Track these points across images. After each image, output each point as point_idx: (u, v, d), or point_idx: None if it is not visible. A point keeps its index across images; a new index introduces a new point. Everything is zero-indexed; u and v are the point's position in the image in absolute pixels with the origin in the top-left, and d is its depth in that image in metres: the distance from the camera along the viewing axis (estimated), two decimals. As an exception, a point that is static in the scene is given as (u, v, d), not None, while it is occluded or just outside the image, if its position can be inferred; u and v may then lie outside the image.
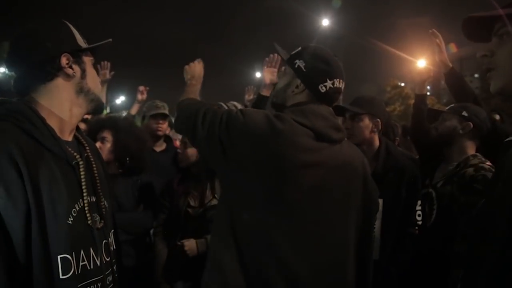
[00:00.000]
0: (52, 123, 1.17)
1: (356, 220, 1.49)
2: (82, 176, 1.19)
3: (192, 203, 2.37)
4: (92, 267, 1.16)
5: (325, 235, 1.42)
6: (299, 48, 1.58)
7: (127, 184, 2.42)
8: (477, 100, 2.45)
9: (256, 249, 1.38)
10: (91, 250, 1.17)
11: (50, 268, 1.04)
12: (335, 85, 1.50)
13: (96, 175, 1.28)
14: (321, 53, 1.54)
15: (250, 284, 1.37)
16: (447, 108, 2.33)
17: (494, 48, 1.03)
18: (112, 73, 3.53)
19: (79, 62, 1.25)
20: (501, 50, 1.01)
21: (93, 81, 1.30)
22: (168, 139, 3.58)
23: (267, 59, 2.23)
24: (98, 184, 1.28)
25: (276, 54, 2.23)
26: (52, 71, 1.19)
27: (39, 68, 1.19)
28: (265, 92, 2.29)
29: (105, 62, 3.48)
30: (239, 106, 3.03)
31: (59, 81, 1.21)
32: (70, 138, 1.26)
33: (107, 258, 1.24)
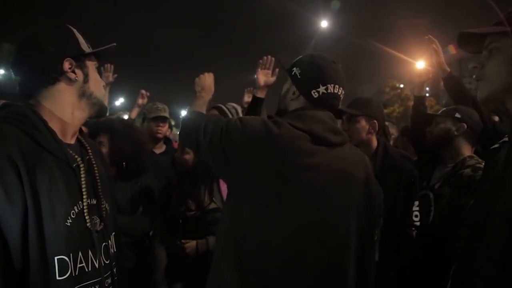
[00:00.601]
0: (54, 126, 1.19)
1: (357, 223, 1.47)
2: (82, 179, 1.20)
3: (190, 206, 2.37)
4: (90, 269, 1.17)
5: (324, 238, 1.42)
6: (300, 56, 1.63)
7: (125, 187, 2.42)
8: (476, 103, 2.46)
9: (255, 251, 1.40)
10: (90, 252, 1.18)
11: (47, 269, 1.06)
12: (328, 90, 1.51)
13: (97, 177, 1.29)
14: (316, 59, 1.56)
15: (247, 285, 1.38)
16: (440, 112, 2.35)
17: (483, 60, 1.11)
18: (115, 76, 3.53)
19: (82, 67, 1.27)
20: (490, 63, 1.09)
21: (96, 85, 1.31)
22: (167, 141, 3.58)
23: (260, 61, 2.24)
24: (99, 187, 1.29)
25: (269, 56, 2.24)
26: (54, 75, 1.21)
27: (41, 72, 1.20)
28: (260, 94, 2.30)
29: (108, 65, 3.47)
30: (238, 108, 3.04)
31: (62, 85, 1.23)
32: (72, 141, 1.27)
33: (107, 260, 1.25)
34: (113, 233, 1.34)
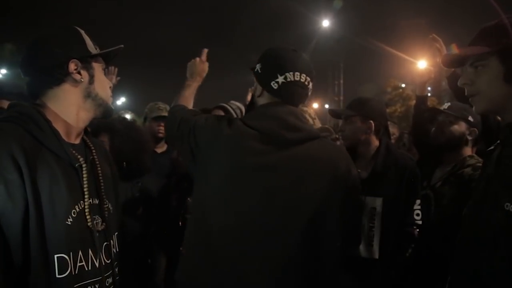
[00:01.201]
0: (59, 126, 1.20)
1: (315, 222, 1.42)
2: (84, 178, 1.21)
3: (189, 208, 2.38)
4: (90, 268, 1.18)
5: (275, 239, 1.40)
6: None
7: (126, 187, 2.42)
8: None
9: (215, 245, 1.44)
10: (90, 251, 1.19)
11: (47, 267, 1.07)
12: (288, 79, 1.46)
13: (100, 178, 1.30)
14: (275, 51, 1.54)
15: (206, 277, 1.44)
16: (447, 107, 2.29)
17: (472, 77, 1.19)
18: (118, 78, 3.52)
19: (88, 68, 1.28)
20: (480, 79, 1.16)
21: (102, 86, 1.32)
22: (169, 141, 3.58)
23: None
24: (102, 187, 1.30)
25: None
26: (59, 76, 1.22)
27: (47, 73, 1.22)
28: None
29: (112, 67, 3.46)
30: (242, 107, 3.05)
31: (67, 86, 1.24)
32: (77, 141, 1.29)
33: (108, 260, 1.25)
34: (116, 233, 1.35)
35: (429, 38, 2.54)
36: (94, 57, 1.30)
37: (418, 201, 2.29)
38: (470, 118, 2.19)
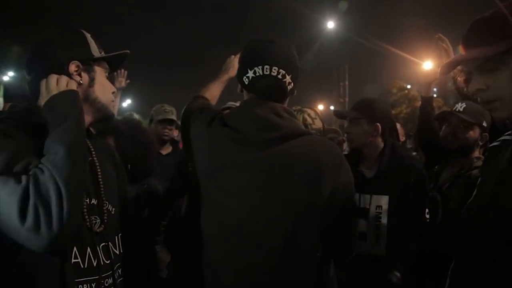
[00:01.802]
0: None
1: (293, 222, 1.36)
2: None
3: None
4: (86, 266, 1.18)
5: (249, 239, 1.37)
6: None
7: (132, 189, 2.42)
8: None
9: (203, 242, 1.47)
10: (89, 250, 1.19)
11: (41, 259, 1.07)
12: (257, 74, 1.38)
13: (100, 179, 1.30)
14: (250, 44, 1.48)
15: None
16: (462, 108, 2.18)
17: (487, 81, 1.03)
18: (128, 81, 3.53)
19: (89, 71, 1.28)
20: (498, 82, 1.01)
21: (102, 90, 1.31)
22: (174, 142, 3.59)
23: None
24: (102, 188, 1.29)
25: None
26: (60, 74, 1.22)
27: (48, 73, 1.21)
28: None
29: (122, 70, 3.47)
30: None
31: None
32: None
33: (107, 260, 1.25)
34: (119, 235, 1.35)
35: (436, 38, 2.52)
36: (97, 61, 1.31)
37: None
38: (484, 123, 2.14)
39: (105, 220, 1.28)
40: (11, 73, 23.60)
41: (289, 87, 1.42)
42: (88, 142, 1.34)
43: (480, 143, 2.16)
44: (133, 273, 1.41)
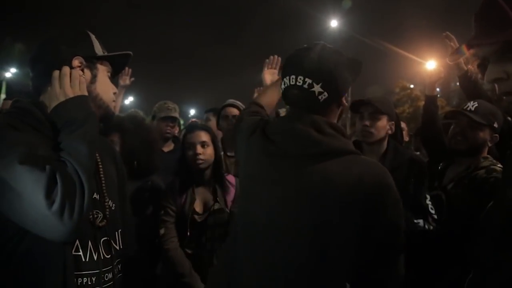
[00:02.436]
0: None
1: (313, 247, 1.23)
2: None
3: (197, 208, 2.34)
4: (87, 259, 1.19)
5: (266, 255, 1.29)
6: None
7: (136, 187, 2.42)
8: (491, 103, 2.41)
9: (230, 257, 1.44)
10: (90, 244, 1.21)
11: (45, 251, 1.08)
12: (285, 84, 1.34)
13: (101, 175, 1.32)
14: (289, 54, 1.42)
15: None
16: (474, 108, 2.12)
17: (507, 69, 0.92)
18: (132, 79, 3.53)
19: (92, 68, 1.31)
20: None
21: (104, 88, 1.34)
22: (176, 140, 3.59)
23: (267, 60, 2.24)
24: (103, 184, 1.31)
25: (276, 56, 2.23)
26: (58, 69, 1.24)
27: (51, 68, 1.23)
28: None
29: (126, 68, 3.45)
30: (240, 104, 3.13)
31: None
32: None
33: (107, 255, 1.26)
34: (119, 230, 1.36)
35: (443, 36, 2.51)
36: (100, 59, 1.33)
37: (428, 197, 2.26)
38: (495, 125, 2.09)
39: (107, 215, 1.29)
40: (13, 70, 23.68)
41: (322, 97, 1.29)
42: None
43: (490, 144, 2.12)
44: (133, 269, 1.41)
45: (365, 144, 2.33)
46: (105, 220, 1.28)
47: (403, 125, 4.30)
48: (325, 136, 1.28)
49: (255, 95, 3.99)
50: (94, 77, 1.30)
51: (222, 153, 2.80)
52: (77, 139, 1.12)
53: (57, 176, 1.00)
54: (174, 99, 3.77)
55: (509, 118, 2.33)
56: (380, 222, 1.21)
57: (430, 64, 2.54)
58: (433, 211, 2.18)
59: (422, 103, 2.60)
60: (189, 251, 2.30)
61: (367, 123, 2.24)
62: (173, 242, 2.28)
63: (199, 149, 2.35)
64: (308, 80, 1.28)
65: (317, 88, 1.28)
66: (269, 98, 1.77)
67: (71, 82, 1.21)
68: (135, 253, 1.49)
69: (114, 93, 1.40)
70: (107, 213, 1.29)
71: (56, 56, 1.25)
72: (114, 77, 1.45)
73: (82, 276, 1.17)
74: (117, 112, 2.80)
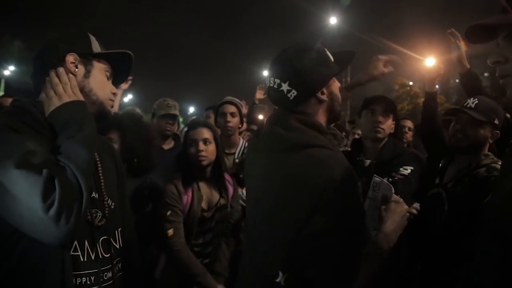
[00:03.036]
0: None
1: (271, 236, 1.32)
2: None
3: (203, 205, 2.35)
4: (85, 259, 1.20)
5: (252, 243, 1.47)
6: None
7: (136, 184, 2.42)
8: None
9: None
10: (86, 243, 1.21)
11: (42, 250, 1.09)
12: (267, 85, 1.43)
13: (100, 174, 1.33)
14: None
15: None
16: (474, 105, 2.11)
17: (507, 53, 0.97)
18: (130, 80, 3.47)
19: (86, 64, 1.32)
20: None
21: (99, 85, 1.34)
22: (176, 137, 3.59)
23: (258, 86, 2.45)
24: (102, 183, 1.32)
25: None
26: (55, 65, 1.26)
27: (48, 64, 1.27)
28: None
29: None
30: (238, 102, 3.19)
31: None
32: None
33: (106, 254, 1.27)
34: (119, 229, 1.37)
35: (447, 33, 2.50)
36: (96, 57, 1.34)
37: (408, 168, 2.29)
38: (496, 121, 2.07)
39: (106, 214, 1.30)
40: (12, 68, 23.62)
41: (291, 95, 1.34)
42: None
43: (491, 141, 2.11)
44: (133, 267, 1.42)
45: (369, 141, 2.38)
46: (104, 219, 1.28)
47: (409, 124, 4.30)
48: (291, 131, 1.33)
49: (257, 92, 4.03)
50: (88, 73, 1.32)
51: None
52: (76, 143, 1.12)
53: (56, 181, 1.00)
54: (174, 97, 3.77)
55: (508, 115, 2.33)
56: (319, 219, 1.19)
57: (429, 61, 2.52)
58: (406, 171, 2.20)
59: (421, 100, 2.61)
60: (196, 249, 2.32)
61: (380, 119, 2.32)
62: (182, 243, 2.27)
63: (202, 146, 2.36)
64: (277, 81, 1.36)
65: (285, 87, 1.34)
66: None
67: (63, 87, 1.23)
68: (135, 252, 1.50)
69: (114, 94, 1.40)
70: (106, 212, 1.30)
71: (53, 53, 1.28)
72: (118, 81, 1.47)
73: (81, 276, 1.18)
74: (115, 110, 2.80)
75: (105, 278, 1.25)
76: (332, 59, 1.40)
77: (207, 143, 2.38)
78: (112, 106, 1.40)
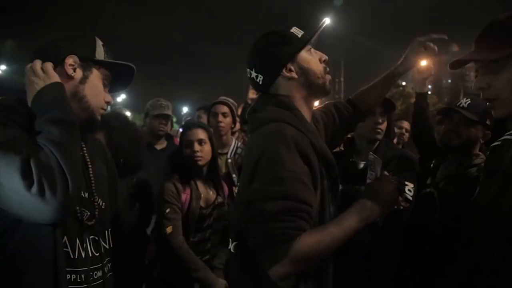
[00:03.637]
0: None
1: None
2: None
3: (201, 203, 2.39)
4: (76, 256, 1.20)
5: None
6: None
7: (122, 184, 2.40)
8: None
9: None
10: (78, 241, 1.21)
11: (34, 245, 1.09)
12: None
13: (90, 173, 1.32)
14: None
15: None
16: (467, 105, 2.11)
17: (490, 81, 1.12)
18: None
19: (85, 69, 1.29)
20: (499, 82, 1.10)
21: (93, 93, 1.31)
22: (169, 137, 3.59)
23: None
24: (93, 183, 1.31)
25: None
26: (55, 65, 1.23)
27: (44, 61, 1.23)
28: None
29: None
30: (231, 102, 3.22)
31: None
32: None
33: (96, 253, 1.27)
34: (109, 229, 1.36)
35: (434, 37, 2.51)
36: (97, 64, 1.31)
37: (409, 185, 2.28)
38: (488, 122, 2.09)
39: (96, 214, 1.29)
40: (3, 67, 23.44)
41: (259, 80, 1.44)
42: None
43: (482, 141, 2.12)
44: (123, 267, 1.42)
45: (365, 141, 2.36)
46: (93, 220, 1.28)
47: (406, 125, 4.30)
48: (258, 112, 1.44)
49: (250, 91, 4.02)
50: (85, 78, 1.28)
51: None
52: (46, 122, 1.12)
53: (31, 159, 1.01)
54: (167, 97, 3.76)
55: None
56: (252, 188, 1.25)
57: (422, 62, 2.52)
58: (410, 193, 2.20)
59: (414, 100, 2.61)
60: (195, 246, 2.34)
61: (380, 120, 2.31)
62: (181, 240, 2.31)
63: (197, 146, 2.40)
64: (248, 70, 1.47)
65: (253, 73, 1.45)
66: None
67: (44, 67, 1.21)
68: (127, 253, 1.49)
69: (108, 102, 1.37)
70: (96, 212, 1.29)
71: (53, 52, 1.25)
72: (116, 88, 1.46)
73: (71, 272, 1.18)
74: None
75: (95, 277, 1.25)
76: (298, 35, 1.44)
77: (202, 143, 2.42)
78: (102, 115, 1.37)
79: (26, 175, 1.00)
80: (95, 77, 1.31)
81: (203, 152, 2.41)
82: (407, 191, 2.22)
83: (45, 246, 1.10)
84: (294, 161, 1.22)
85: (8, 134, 1.06)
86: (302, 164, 1.23)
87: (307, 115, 1.44)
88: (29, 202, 1.00)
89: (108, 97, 1.38)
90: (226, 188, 2.57)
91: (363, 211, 1.24)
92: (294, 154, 1.22)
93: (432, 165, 2.33)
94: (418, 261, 2.17)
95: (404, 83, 30.63)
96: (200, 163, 2.41)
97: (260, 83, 1.44)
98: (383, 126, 2.33)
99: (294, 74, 1.41)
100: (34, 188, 0.99)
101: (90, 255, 1.24)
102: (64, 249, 1.16)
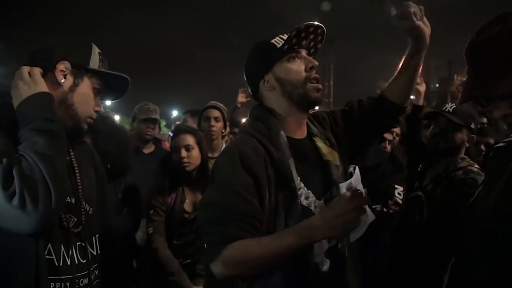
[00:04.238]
0: None
1: None
2: None
3: (186, 208, 2.39)
4: (61, 264, 1.17)
5: None
6: None
7: (110, 188, 2.37)
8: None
9: None
10: (63, 248, 1.19)
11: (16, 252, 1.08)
12: None
13: (77, 178, 1.29)
14: None
15: None
16: (452, 109, 2.15)
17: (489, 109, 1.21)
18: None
19: (76, 76, 1.25)
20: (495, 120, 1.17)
21: (82, 101, 1.27)
22: (156, 141, 3.56)
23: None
24: (80, 189, 1.29)
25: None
26: (45, 70, 1.20)
27: (37, 65, 1.20)
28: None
29: None
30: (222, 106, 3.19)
31: (48, 84, 1.19)
32: None
33: (83, 260, 1.24)
34: (97, 235, 1.34)
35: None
36: (89, 72, 1.28)
37: (399, 188, 2.27)
38: (473, 125, 2.13)
39: (83, 220, 1.26)
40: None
41: (249, 92, 1.52)
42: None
43: (467, 145, 2.16)
44: (111, 273, 1.40)
45: None
46: (80, 226, 1.25)
47: (396, 130, 4.32)
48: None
49: (239, 95, 4.02)
50: (74, 86, 1.25)
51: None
52: (31, 132, 1.09)
53: (14, 170, 0.99)
54: (157, 100, 3.75)
55: (484, 119, 2.39)
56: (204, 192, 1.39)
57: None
58: (400, 196, 2.20)
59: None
60: (178, 248, 2.35)
61: None
62: (161, 242, 2.34)
63: (183, 152, 2.41)
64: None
65: (249, 88, 1.51)
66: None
67: (32, 73, 1.18)
68: (115, 258, 1.47)
69: (97, 111, 1.34)
70: (83, 218, 1.27)
71: (46, 56, 1.23)
72: (109, 97, 1.43)
73: (55, 281, 1.15)
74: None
75: (81, 285, 1.22)
76: (278, 45, 1.38)
77: (190, 149, 2.42)
78: (89, 124, 1.33)
79: (7, 186, 0.98)
80: (86, 85, 1.27)
81: (191, 158, 2.41)
82: (396, 194, 2.24)
83: (27, 255, 1.08)
84: (235, 173, 1.25)
85: None
86: (245, 177, 1.25)
87: (292, 126, 1.40)
88: (9, 213, 0.98)
89: (98, 106, 1.34)
90: None
91: (306, 231, 1.14)
92: (237, 167, 1.26)
93: (419, 169, 2.34)
94: (407, 263, 2.18)
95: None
96: (187, 168, 2.41)
97: (251, 94, 1.51)
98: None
99: (269, 85, 1.40)
100: (16, 200, 0.97)
101: (76, 262, 1.22)
102: (49, 257, 1.14)
